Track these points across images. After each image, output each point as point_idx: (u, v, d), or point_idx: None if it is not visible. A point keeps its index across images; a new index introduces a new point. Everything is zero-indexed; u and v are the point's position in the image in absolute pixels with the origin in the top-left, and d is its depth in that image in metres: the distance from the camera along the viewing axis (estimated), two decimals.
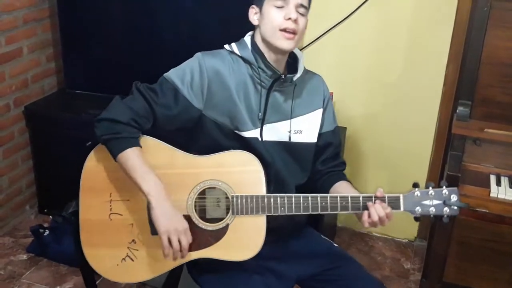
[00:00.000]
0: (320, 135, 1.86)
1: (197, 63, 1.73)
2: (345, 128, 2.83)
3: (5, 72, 2.79)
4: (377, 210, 1.63)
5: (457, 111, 2.17)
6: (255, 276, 1.72)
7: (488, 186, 2.02)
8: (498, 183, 2.02)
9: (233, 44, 1.80)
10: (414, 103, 2.75)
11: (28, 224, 2.95)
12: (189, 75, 1.71)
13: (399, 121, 2.81)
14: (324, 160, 1.89)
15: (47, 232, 2.74)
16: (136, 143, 1.68)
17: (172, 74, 1.73)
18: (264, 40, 1.74)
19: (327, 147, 1.88)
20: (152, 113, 1.71)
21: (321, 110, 1.86)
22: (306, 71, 1.87)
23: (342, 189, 1.80)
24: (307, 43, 2.78)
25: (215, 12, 2.65)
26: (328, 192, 1.83)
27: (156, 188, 1.63)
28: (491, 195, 1.99)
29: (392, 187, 2.87)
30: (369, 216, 1.64)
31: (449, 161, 2.11)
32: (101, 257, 1.79)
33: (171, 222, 1.62)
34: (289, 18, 1.68)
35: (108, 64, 2.94)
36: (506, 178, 2.05)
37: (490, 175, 2.07)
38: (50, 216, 2.93)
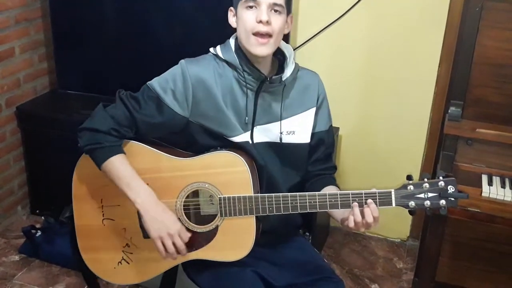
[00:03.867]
0: (313, 134, 1.81)
1: (180, 70, 1.68)
2: (337, 128, 2.83)
3: None
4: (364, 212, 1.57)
5: (449, 111, 2.18)
6: (248, 269, 1.72)
7: (480, 185, 2.02)
8: (490, 183, 2.03)
9: (218, 47, 1.74)
10: (406, 103, 2.75)
11: (20, 225, 2.94)
12: (171, 83, 1.67)
13: (391, 121, 2.81)
14: (315, 161, 1.84)
15: (39, 233, 2.74)
16: (119, 151, 1.67)
17: (155, 83, 1.70)
18: (241, 45, 1.69)
19: (319, 146, 1.82)
20: (134, 122, 1.69)
21: (314, 109, 1.79)
22: (300, 69, 1.80)
23: None
24: (300, 44, 2.78)
25: (209, 13, 2.65)
26: None
27: (143, 194, 1.63)
28: (483, 194, 2.00)
29: (385, 187, 2.87)
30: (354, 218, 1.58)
31: (441, 161, 2.12)
32: (98, 261, 1.82)
33: (162, 226, 1.63)
34: (260, 21, 1.60)
35: (100, 64, 2.93)
36: (498, 178, 2.06)
37: (482, 175, 2.08)
38: (42, 217, 2.91)
